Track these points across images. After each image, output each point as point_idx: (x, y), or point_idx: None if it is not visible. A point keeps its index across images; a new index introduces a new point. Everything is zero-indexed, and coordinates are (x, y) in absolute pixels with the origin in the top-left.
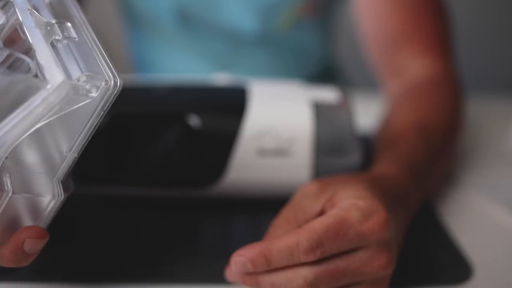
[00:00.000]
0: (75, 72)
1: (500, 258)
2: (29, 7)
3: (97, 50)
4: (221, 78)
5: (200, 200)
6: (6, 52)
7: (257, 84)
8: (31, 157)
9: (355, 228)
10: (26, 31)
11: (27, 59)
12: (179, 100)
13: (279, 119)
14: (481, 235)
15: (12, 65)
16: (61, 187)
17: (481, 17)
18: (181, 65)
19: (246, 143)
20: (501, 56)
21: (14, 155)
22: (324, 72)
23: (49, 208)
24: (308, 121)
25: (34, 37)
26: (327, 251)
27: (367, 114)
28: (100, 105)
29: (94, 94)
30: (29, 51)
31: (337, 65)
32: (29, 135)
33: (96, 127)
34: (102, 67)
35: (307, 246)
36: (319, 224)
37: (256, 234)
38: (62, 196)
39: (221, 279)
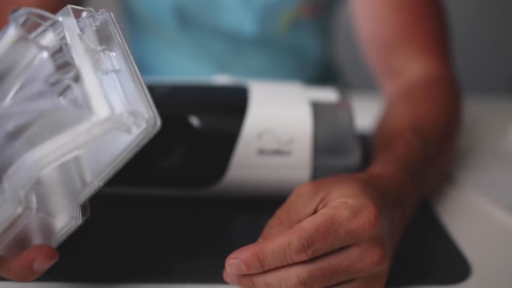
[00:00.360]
0: (119, 106)
1: (498, 257)
2: (79, 32)
3: (139, 85)
4: (221, 80)
5: (200, 200)
6: (56, 76)
7: (257, 84)
8: (54, 177)
9: (345, 226)
10: (74, 57)
11: (74, 85)
12: (179, 100)
13: (279, 119)
14: (479, 235)
15: (59, 88)
16: (80, 211)
17: (478, 18)
18: (180, 67)
19: (246, 143)
20: (498, 57)
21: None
22: (323, 74)
23: (64, 230)
24: (308, 121)
25: (83, 65)
26: (319, 249)
27: (366, 115)
28: (136, 142)
29: (135, 131)
30: (74, 74)
31: (336, 66)
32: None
33: (127, 160)
34: (143, 104)
35: (299, 246)
36: (309, 223)
37: (256, 234)
38: (80, 221)
39: (222, 279)
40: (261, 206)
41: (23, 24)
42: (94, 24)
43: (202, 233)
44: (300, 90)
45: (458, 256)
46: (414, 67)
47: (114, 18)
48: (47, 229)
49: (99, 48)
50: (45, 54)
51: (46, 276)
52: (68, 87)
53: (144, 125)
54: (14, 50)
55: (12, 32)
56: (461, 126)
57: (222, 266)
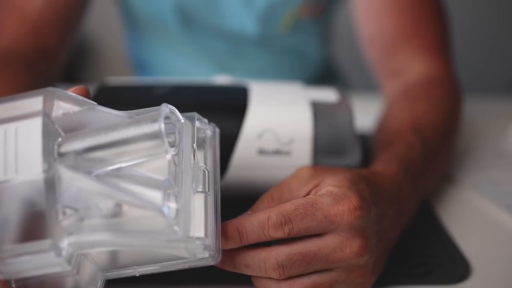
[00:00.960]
0: (197, 230)
1: (498, 257)
2: (194, 146)
3: (218, 216)
4: (221, 80)
5: None
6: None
7: (257, 84)
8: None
9: (323, 210)
10: (183, 172)
11: (178, 198)
12: (179, 100)
13: (279, 119)
14: (479, 235)
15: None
16: (103, 284)
17: (479, 18)
18: (181, 67)
19: (247, 143)
20: (498, 57)
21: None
22: (323, 74)
23: None
24: (308, 121)
25: (186, 179)
26: (295, 229)
27: (366, 115)
28: (191, 264)
29: (198, 255)
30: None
31: (335, 66)
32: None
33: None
34: (214, 235)
35: (276, 221)
36: (290, 204)
37: None
38: None
39: (222, 279)
40: None
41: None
42: (205, 141)
43: None
44: (300, 90)
45: (458, 255)
46: (414, 67)
47: (218, 136)
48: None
49: (201, 167)
50: (169, 157)
51: None
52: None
53: (206, 255)
54: (146, 138)
55: (156, 126)
56: (461, 126)
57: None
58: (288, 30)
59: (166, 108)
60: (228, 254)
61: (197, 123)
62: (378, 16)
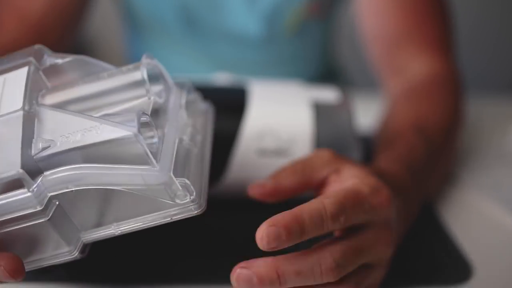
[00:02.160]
0: (181, 174)
1: (500, 259)
2: (183, 103)
3: (204, 172)
4: (221, 78)
5: None
6: (148, 121)
7: (257, 84)
8: (80, 200)
9: (368, 200)
10: (168, 119)
11: (156, 133)
12: None
13: (279, 119)
14: (481, 235)
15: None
16: (80, 247)
17: (482, 17)
18: (183, 68)
19: (246, 143)
20: (502, 55)
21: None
22: (326, 73)
23: (53, 257)
24: (308, 121)
25: (172, 123)
26: (349, 219)
27: (368, 114)
28: (172, 213)
29: (177, 201)
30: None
31: (338, 65)
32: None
33: (154, 225)
34: (202, 188)
35: (334, 210)
36: (338, 191)
37: None
38: (75, 257)
39: (221, 279)
40: (261, 206)
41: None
42: (197, 107)
43: (202, 233)
44: (301, 90)
45: (460, 257)
46: (417, 65)
47: (213, 114)
48: (39, 245)
49: (189, 124)
50: (151, 99)
51: (42, 276)
52: (150, 136)
53: (187, 200)
54: (129, 87)
55: (141, 73)
56: (464, 125)
57: (221, 267)
58: (292, 31)
59: (150, 59)
60: (268, 264)
61: (191, 95)
62: (380, 13)
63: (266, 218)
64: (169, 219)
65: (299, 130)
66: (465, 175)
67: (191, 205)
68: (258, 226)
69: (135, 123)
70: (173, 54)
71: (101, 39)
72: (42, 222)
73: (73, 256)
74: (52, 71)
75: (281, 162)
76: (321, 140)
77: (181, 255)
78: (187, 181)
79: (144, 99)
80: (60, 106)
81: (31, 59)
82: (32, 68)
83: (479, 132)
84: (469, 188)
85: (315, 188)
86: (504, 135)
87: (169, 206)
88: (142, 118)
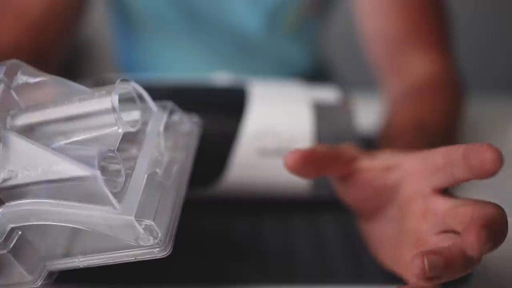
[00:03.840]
0: (148, 215)
1: (500, 258)
2: (161, 131)
3: (176, 208)
4: (222, 77)
5: (200, 200)
6: (113, 156)
7: (257, 84)
8: (44, 232)
9: None
10: (141, 151)
11: (123, 171)
12: (179, 101)
13: (279, 119)
14: None
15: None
16: (44, 276)
17: (482, 17)
18: (183, 66)
19: (246, 143)
20: (502, 55)
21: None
22: (316, 70)
23: (18, 285)
24: (308, 121)
25: (142, 160)
26: None
27: (367, 114)
28: (136, 254)
29: (141, 243)
30: (127, 159)
31: (328, 62)
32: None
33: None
34: (166, 228)
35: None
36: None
37: (256, 234)
38: (37, 285)
39: (221, 279)
40: (261, 206)
41: (121, 95)
42: (180, 129)
43: (201, 234)
44: (301, 90)
45: None
46: (417, 65)
47: (198, 134)
48: (3, 272)
49: (166, 153)
50: (120, 131)
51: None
52: (116, 170)
53: (150, 243)
54: (100, 113)
55: (111, 101)
56: (464, 125)
57: (221, 267)
58: (292, 29)
59: (125, 84)
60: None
61: (175, 116)
62: (381, 14)
63: (266, 218)
64: (133, 259)
65: (299, 130)
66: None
67: (154, 248)
68: (258, 226)
69: (96, 162)
70: (171, 51)
71: (102, 37)
72: (2, 253)
73: (36, 285)
74: (26, 89)
75: (281, 162)
76: (321, 140)
77: (180, 255)
78: (152, 223)
79: (113, 129)
80: (31, 128)
81: (2, 76)
82: (2, 86)
83: (479, 132)
84: (468, 188)
85: (342, 169)
86: (502, 135)
87: (134, 246)
88: (107, 153)
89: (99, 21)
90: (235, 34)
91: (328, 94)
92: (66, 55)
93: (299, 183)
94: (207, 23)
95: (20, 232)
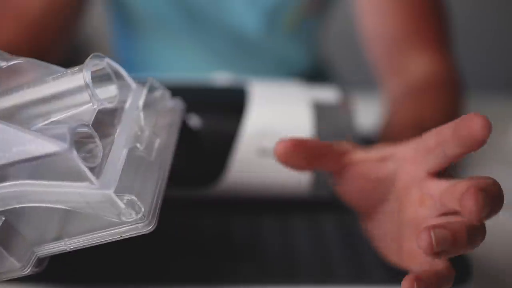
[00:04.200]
0: (129, 189)
1: (500, 258)
2: (141, 105)
3: (160, 182)
4: (221, 77)
5: (200, 200)
6: (90, 133)
7: (257, 84)
8: (30, 215)
9: None
10: (119, 125)
11: (99, 145)
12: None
13: (279, 119)
14: None
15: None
16: (34, 262)
17: (482, 17)
18: (183, 66)
19: (246, 143)
20: (502, 55)
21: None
22: (315, 69)
23: (6, 273)
24: (308, 121)
25: (121, 134)
26: None
27: (367, 114)
28: (120, 231)
29: (124, 219)
30: (107, 135)
31: (325, 60)
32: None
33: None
34: (149, 202)
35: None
36: None
37: (257, 234)
38: (27, 272)
39: (221, 279)
40: (261, 206)
41: (95, 72)
42: (162, 106)
43: (201, 234)
44: (301, 90)
45: (459, 257)
46: (417, 65)
47: (181, 112)
48: None
49: (147, 128)
50: (95, 107)
51: (40, 277)
52: (92, 148)
53: (133, 218)
54: (74, 91)
55: (82, 77)
56: None
57: (221, 267)
58: (293, 27)
59: (97, 60)
60: (447, 228)
61: (155, 92)
62: (380, 13)
63: (266, 218)
64: (119, 236)
65: (299, 130)
66: (464, 174)
67: (138, 223)
68: (258, 226)
69: (67, 137)
70: (172, 51)
71: (99, 39)
72: None
73: (26, 272)
74: (1, 74)
75: None
76: (321, 140)
77: (180, 255)
78: (133, 197)
79: (89, 106)
80: (10, 113)
81: None
82: None
83: None
84: None
85: (335, 162)
86: (502, 135)
87: (117, 223)
88: (81, 129)
89: (98, 20)
90: (234, 34)
91: (328, 94)
92: (65, 54)
93: (299, 183)
94: (206, 23)
95: (3, 218)
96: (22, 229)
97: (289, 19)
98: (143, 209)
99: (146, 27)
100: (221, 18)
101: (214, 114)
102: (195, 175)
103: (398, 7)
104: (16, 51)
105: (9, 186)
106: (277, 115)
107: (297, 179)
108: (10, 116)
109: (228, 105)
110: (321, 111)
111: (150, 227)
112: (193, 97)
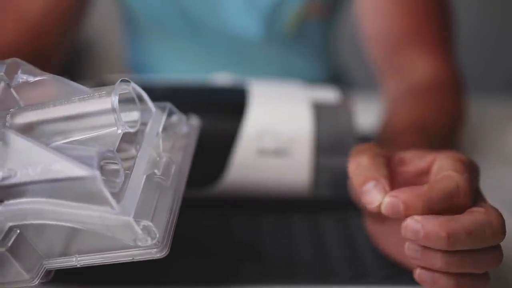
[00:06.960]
0: (146, 215)
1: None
2: (160, 132)
3: (174, 208)
4: (221, 77)
5: (200, 200)
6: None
7: (257, 84)
8: (43, 230)
9: None
10: (139, 151)
11: (122, 170)
12: (179, 101)
13: (279, 119)
14: None
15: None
16: (42, 274)
17: (482, 17)
18: (184, 69)
19: (246, 143)
20: (502, 55)
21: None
22: (327, 76)
23: (14, 284)
24: (308, 121)
25: (140, 161)
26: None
27: (368, 114)
28: (133, 254)
29: (140, 243)
30: (125, 159)
31: (342, 71)
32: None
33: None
34: (165, 229)
35: (467, 187)
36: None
37: (256, 234)
38: (35, 283)
39: (221, 279)
40: (261, 206)
41: (121, 95)
42: (179, 130)
43: (201, 234)
44: (301, 90)
45: None
46: (418, 65)
47: (196, 135)
48: (1, 269)
49: (165, 154)
50: (119, 131)
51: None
52: (115, 170)
53: (148, 244)
54: (99, 113)
55: (110, 102)
56: (465, 125)
57: (221, 267)
58: (293, 31)
59: (125, 84)
60: (436, 222)
61: (173, 117)
62: (381, 14)
63: (266, 218)
64: (131, 259)
65: (299, 130)
66: None
67: (152, 249)
68: (257, 225)
69: (95, 163)
70: (172, 55)
71: (102, 37)
72: (0, 252)
73: (34, 284)
74: (26, 88)
75: (281, 162)
76: (321, 140)
77: (180, 255)
78: (150, 223)
79: (113, 129)
80: (30, 127)
81: (2, 74)
82: (2, 84)
83: (479, 132)
84: None
85: None
86: (504, 135)
87: (131, 246)
88: (106, 154)
89: (100, 21)
90: (234, 39)
91: (328, 94)
92: (66, 56)
93: (299, 183)
94: (205, 28)
95: (18, 231)
96: (34, 242)
97: (288, 23)
98: (157, 235)
99: (147, 30)
100: (220, 23)
101: (214, 114)
102: (196, 175)
103: (400, 6)
104: (17, 53)
105: (29, 203)
106: (277, 115)
107: (297, 179)
108: (30, 130)
109: (228, 105)
110: (321, 111)
111: (163, 253)
112: (193, 97)
